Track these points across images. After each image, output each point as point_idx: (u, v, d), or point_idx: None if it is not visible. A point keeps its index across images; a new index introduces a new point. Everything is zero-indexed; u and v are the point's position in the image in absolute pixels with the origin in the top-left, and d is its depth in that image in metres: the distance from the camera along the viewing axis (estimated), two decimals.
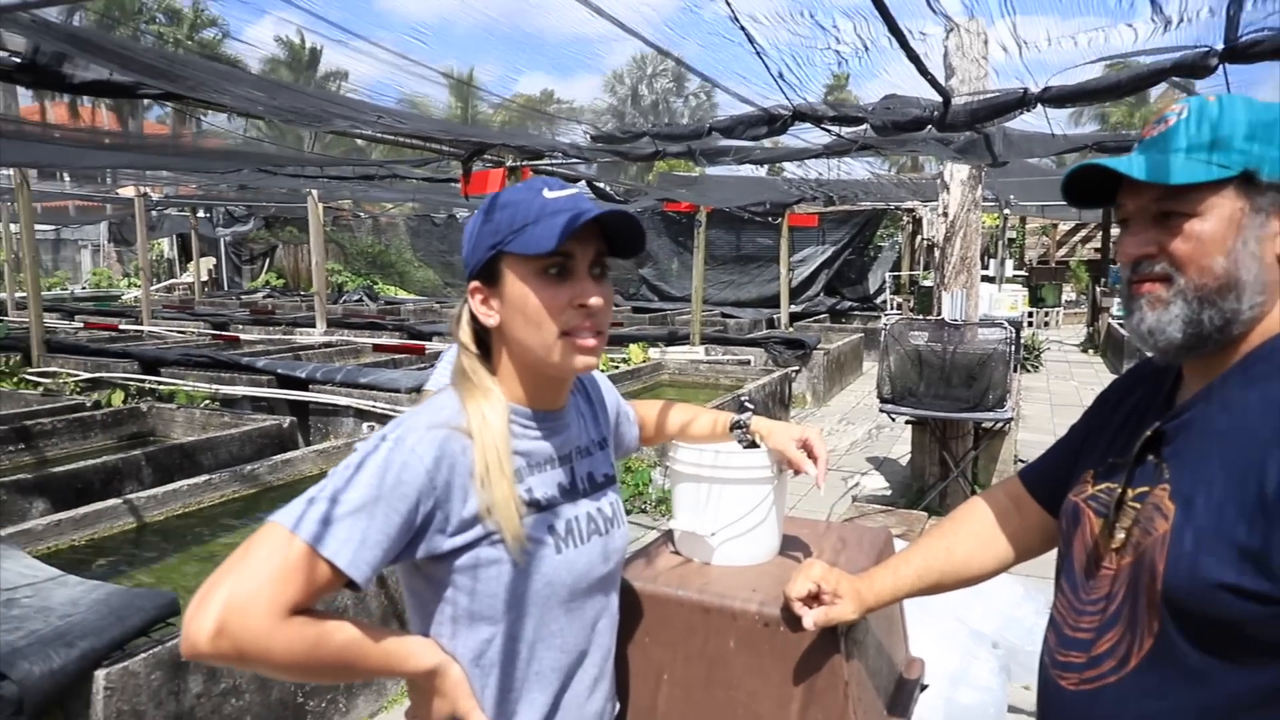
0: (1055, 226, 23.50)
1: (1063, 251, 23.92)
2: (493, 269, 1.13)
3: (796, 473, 1.53)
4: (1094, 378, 11.58)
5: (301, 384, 7.34)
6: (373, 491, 1.01)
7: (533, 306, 1.10)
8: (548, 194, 1.12)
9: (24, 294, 10.59)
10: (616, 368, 9.14)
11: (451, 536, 1.08)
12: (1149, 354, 1.09)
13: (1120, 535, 1.07)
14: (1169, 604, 0.98)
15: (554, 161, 8.93)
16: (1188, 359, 1.06)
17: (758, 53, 2.62)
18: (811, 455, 1.50)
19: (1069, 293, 20.57)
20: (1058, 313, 18.53)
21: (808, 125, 3.63)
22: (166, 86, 4.16)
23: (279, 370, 7.62)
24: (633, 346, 10.06)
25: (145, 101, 5.07)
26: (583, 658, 1.22)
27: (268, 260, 25.16)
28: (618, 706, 1.40)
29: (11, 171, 9.71)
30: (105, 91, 4.00)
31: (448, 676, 1.11)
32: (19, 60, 3.66)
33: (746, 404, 1.58)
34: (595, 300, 1.11)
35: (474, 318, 1.17)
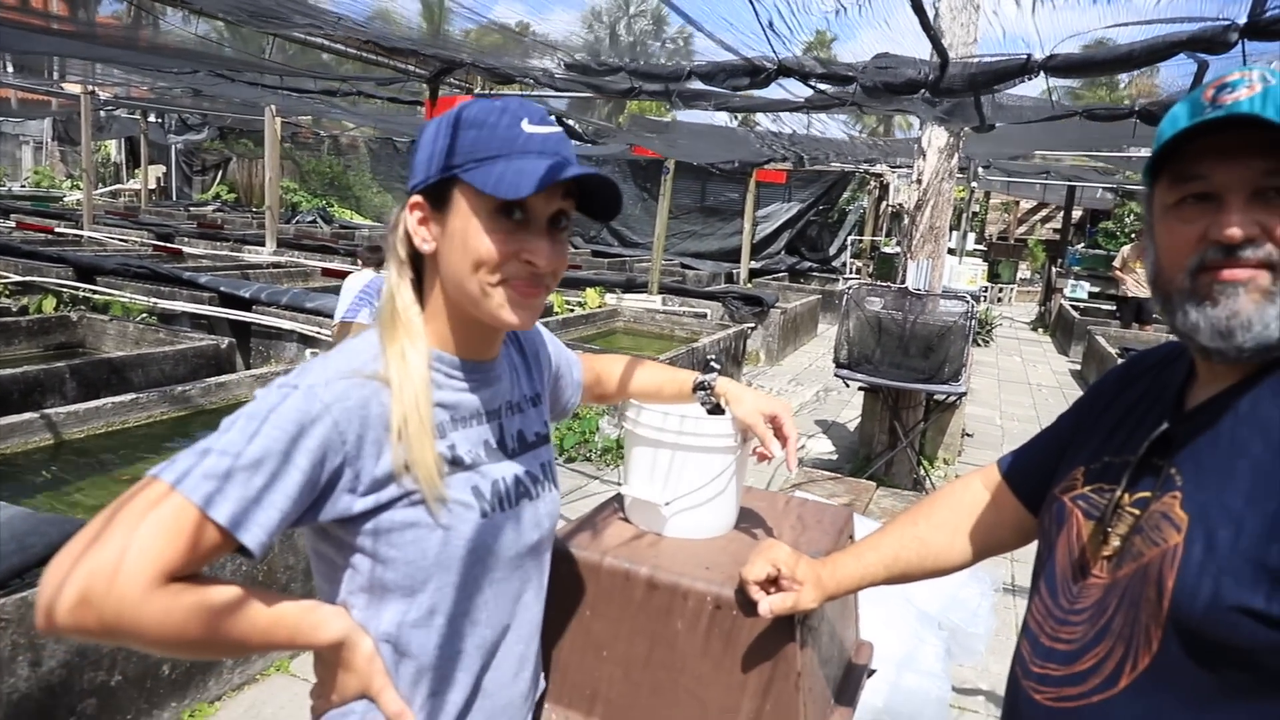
0: (1017, 204, 23.66)
1: (1022, 229, 24.13)
2: (442, 191, 0.98)
3: (759, 457, 1.43)
4: (1041, 356, 11.72)
5: (245, 304, 7.09)
6: (273, 445, 0.88)
7: (474, 245, 0.96)
8: (527, 126, 0.97)
9: None
10: (572, 311, 8.99)
11: (363, 497, 0.96)
12: (1210, 347, 0.91)
13: (1115, 542, 0.99)
14: (1176, 624, 0.89)
15: (525, 93, 8.65)
16: (1252, 360, 0.92)
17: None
18: (780, 434, 1.40)
19: (1024, 271, 20.81)
20: (1011, 290, 18.77)
21: (792, 79, 3.47)
22: None
23: (222, 288, 7.35)
24: (589, 291, 9.90)
25: None
26: (506, 632, 1.11)
27: (220, 172, 24.29)
28: (544, 685, 1.30)
29: None
30: None
31: (358, 650, 0.99)
32: None
33: (713, 364, 1.46)
34: (546, 261, 0.99)
35: (410, 236, 1.03)
